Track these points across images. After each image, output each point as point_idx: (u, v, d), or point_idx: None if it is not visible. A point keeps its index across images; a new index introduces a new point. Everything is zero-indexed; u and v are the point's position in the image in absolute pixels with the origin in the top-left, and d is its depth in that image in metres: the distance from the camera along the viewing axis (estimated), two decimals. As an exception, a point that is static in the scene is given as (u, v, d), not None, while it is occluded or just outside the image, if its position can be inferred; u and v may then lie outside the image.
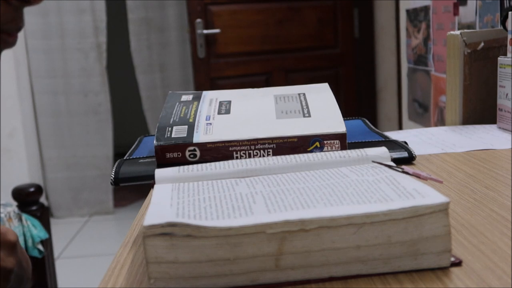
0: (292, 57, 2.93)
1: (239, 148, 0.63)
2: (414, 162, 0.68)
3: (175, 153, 0.63)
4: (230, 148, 0.63)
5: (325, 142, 0.63)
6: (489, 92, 0.92)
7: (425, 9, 1.82)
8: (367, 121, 0.86)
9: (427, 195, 0.38)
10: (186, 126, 0.66)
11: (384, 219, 0.36)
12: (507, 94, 0.83)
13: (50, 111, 3.19)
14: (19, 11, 0.48)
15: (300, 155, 0.53)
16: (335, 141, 0.63)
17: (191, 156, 0.63)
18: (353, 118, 0.88)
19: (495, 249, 0.40)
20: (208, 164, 0.52)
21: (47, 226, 1.85)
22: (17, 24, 0.49)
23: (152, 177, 0.53)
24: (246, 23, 2.85)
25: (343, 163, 0.52)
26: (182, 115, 0.70)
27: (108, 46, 3.28)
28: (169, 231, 0.35)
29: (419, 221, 0.37)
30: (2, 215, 1.61)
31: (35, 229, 1.73)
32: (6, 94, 2.87)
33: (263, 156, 0.63)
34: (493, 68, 0.91)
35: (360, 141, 0.72)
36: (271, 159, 0.53)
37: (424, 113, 1.91)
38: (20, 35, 3.04)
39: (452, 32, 0.92)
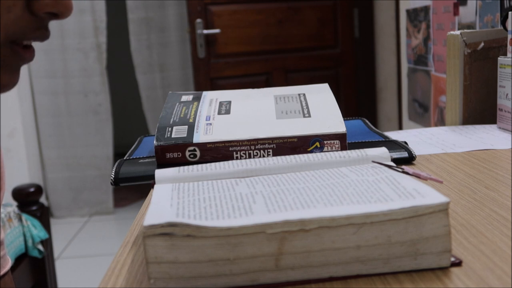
0: (292, 57, 2.93)
1: (239, 148, 0.63)
2: (414, 162, 0.68)
3: (175, 153, 0.63)
4: (230, 148, 0.63)
5: (325, 142, 0.63)
6: (489, 92, 0.92)
7: (425, 9, 1.82)
8: (367, 121, 0.86)
9: (427, 195, 0.38)
10: (186, 126, 0.67)
11: (384, 219, 0.36)
12: (507, 94, 0.83)
13: (50, 111, 3.19)
14: (44, 24, 0.44)
15: (300, 155, 0.53)
16: (335, 141, 0.63)
17: (191, 156, 0.63)
18: (353, 118, 0.88)
19: (495, 249, 0.40)
20: (208, 164, 0.52)
21: (47, 226, 1.85)
22: (40, 38, 0.44)
23: (152, 177, 0.53)
24: (246, 23, 2.84)
25: (343, 163, 0.52)
26: (182, 115, 0.70)
27: (108, 46, 3.28)
28: (169, 231, 0.35)
29: (419, 221, 0.37)
30: (2, 215, 1.61)
31: (35, 229, 1.73)
32: (6, 94, 2.87)
33: (263, 156, 0.63)
34: (493, 68, 0.91)
35: (360, 141, 0.72)
36: (271, 159, 0.53)
37: (424, 113, 1.91)
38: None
39: (452, 32, 0.92)
